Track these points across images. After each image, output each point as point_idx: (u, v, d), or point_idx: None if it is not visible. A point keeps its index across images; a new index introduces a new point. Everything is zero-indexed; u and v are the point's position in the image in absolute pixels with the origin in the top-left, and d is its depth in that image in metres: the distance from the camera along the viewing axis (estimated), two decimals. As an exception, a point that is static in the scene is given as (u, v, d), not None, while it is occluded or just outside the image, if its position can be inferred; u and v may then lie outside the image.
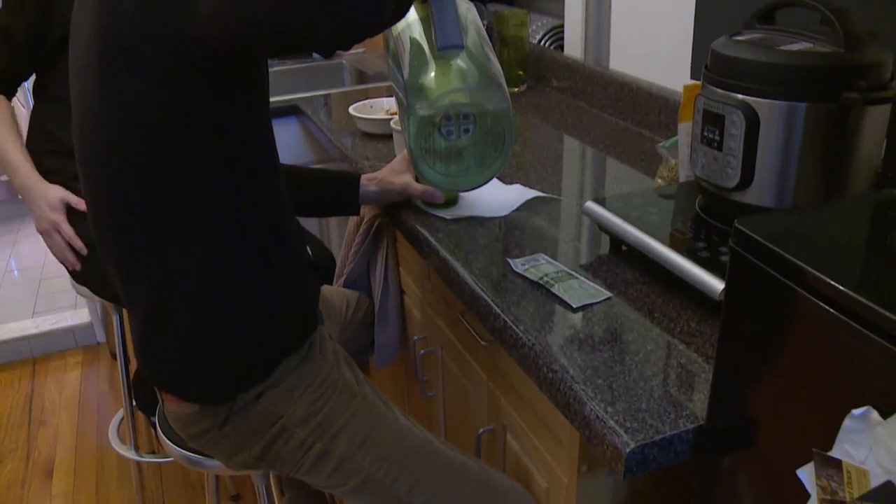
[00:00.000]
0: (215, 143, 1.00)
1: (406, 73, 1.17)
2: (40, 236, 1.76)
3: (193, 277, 1.04)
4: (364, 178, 1.38)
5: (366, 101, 1.91)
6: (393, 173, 1.36)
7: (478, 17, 1.23)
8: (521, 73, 2.13)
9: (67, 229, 1.71)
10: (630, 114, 1.82)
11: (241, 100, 1.01)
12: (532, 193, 1.37)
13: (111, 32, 0.96)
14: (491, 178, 1.23)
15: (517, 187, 1.40)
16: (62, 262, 1.78)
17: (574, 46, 2.13)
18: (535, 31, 2.35)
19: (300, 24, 0.80)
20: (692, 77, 1.66)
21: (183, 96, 0.96)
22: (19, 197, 1.81)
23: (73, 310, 3.08)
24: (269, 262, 1.08)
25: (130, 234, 1.05)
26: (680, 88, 1.69)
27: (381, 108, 1.89)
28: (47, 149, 1.77)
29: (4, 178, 4.15)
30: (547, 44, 2.32)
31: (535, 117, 1.93)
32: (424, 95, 1.14)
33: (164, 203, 1.01)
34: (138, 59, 0.94)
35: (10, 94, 1.80)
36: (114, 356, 2.88)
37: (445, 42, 1.11)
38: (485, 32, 1.22)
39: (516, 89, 2.13)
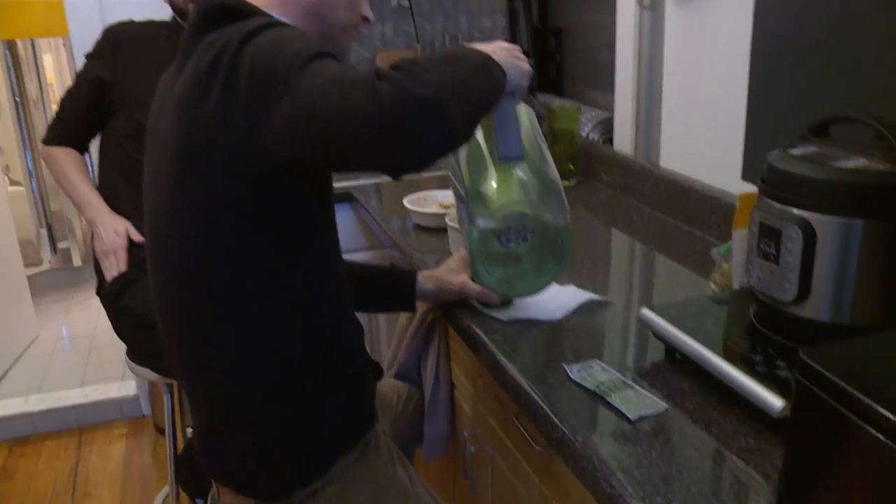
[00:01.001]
0: (284, 244, 1.04)
1: (467, 177, 1.21)
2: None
3: (258, 375, 1.07)
4: (421, 276, 1.41)
5: (420, 194, 1.96)
6: (450, 272, 1.39)
7: (536, 120, 1.26)
8: (571, 167, 2.17)
9: (123, 256, 1.90)
10: (681, 213, 1.84)
11: (309, 203, 1.06)
12: (586, 296, 1.39)
13: (190, 137, 1.02)
14: (548, 286, 1.26)
15: (571, 289, 1.42)
16: (108, 282, 1.93)
17: (624, 141, 2.17)
18: (584, 122, 2.40)
19: (369, 150, 0.85)
20: (743, 178, 1.69)
21: (254, 200, 1.01)
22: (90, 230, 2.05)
23: (120, 381, 3.13)
24: (331, 361, 1.10)
25: (198, 331, 1.09)
26: (731, 189, 1.72)
27: (435, 200, 1.94)
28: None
29: (63, 245, 4.27)
30: (595, 137, 2.36)
31: (586, 212, 1.97)
32: (485, 205, 1.18)
33: (231, 302, 1.05)
34: (214, 163, 1.00)
35: (81, 151, 2.06)
36: (158, 430, 2.91)
37: (507, 153, 1.14)
38: (542, 137, 1.26)
39: (567, 183, 2.17)
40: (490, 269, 1.22)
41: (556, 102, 2.67)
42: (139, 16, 2.14)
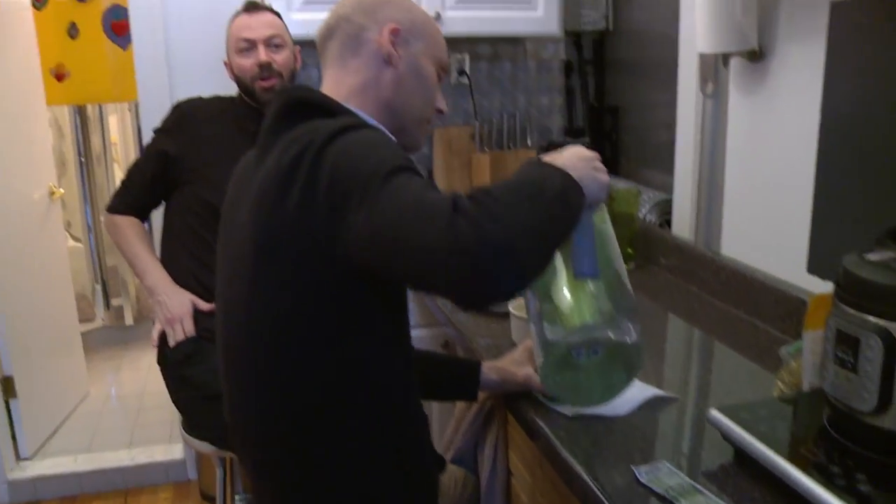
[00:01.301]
0: (357, 336, 1.05)
1: (538, 285, 1.20)
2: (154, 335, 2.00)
3: (324, 464, 1.07)
4: (485, 367, 1.41)
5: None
6: (514, 363, 1.39)
7: (611, 227, 1.26)
8: (630, 250, 2.16)
9: (190, 326, 1.93)
10: (743, 302, 1.81)
11: (384, 299, 1.06)
12: (652, 392, 1.37)
13: (269, 232, 1.04)
14: (613, 399, 1.24)
15: (637, 384, 1.40)
16: (171, 347, 1.95)
17: (682, 226, 2.16)
18: (641, 202, 2.39)
19: (439, 284, 0.87)
20: (809, 270, 1.66)
21: (329, 295, 1.02)
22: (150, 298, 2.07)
23: (167, 444, 3.15)
24: (397, 451, 1.10)
25: (267, 419, 1.09)
26: (795, 280, 1.69)
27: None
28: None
29: (116, 302, 4.36)
30: (652, 218, 2.36)
31: (645, 298, 1.95)
32: (557, 320, 1.18)
33: (302, 392, 1.06)
34: (291, 259, 1.02)
35: (143, 219, 2.12)
36: (203, 496, 2.90)
37: (581, 270, 1.13)
38: (616, 244, 1.25)
39: (625, 266, 2.16)
40: (557, 378, 1.21)
41: (615, 183, 2.67)
42: (206, 87, 2.22)
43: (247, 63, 2.00)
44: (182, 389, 1.92)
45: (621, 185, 2.63)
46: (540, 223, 0.91)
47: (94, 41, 4.13)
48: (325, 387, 1.05)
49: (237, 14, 2.06)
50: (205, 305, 1.93)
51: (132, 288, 4.35)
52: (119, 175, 4.29)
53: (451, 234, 0.84)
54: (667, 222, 2.38)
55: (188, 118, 2.04)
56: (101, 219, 4.27)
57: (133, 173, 2.09)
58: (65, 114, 4.13)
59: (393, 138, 1.10)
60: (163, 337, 1.96)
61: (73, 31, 4.10)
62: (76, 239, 4.36)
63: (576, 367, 1.21)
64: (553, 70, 3.01)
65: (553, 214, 0.94)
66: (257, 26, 2.01)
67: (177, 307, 1.92)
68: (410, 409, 1.14)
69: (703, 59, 1.95)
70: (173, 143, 2.01)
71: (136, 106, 4.20)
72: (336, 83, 1.18)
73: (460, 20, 2.46)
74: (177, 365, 1.90)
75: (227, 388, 1.18)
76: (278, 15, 2.09)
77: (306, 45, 2.02)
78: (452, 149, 2.84)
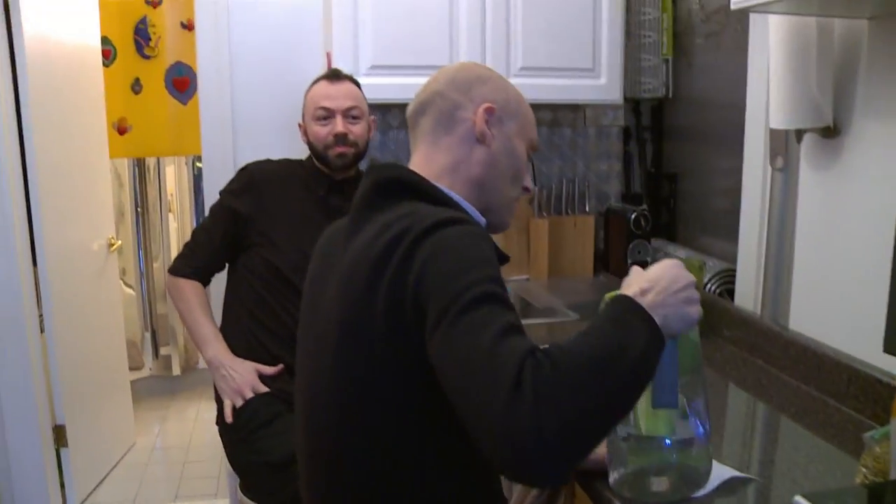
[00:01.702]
0: (440, 423, 1.03)
1: None
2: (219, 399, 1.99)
3: None
4: None
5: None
6: None
7: (698, 334, 1.22)
8: (692, 320, 2.12)
9: (262, 388, 1.92)
10: (814, 379, 1.76)
11: None
12: (730, 473, 1.33)
13: (355, 314, 1.04)
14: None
15: (714, 465, 1.37)
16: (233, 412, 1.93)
17: (746, 298, 2.13)
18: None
19: (488, 446, 0.83)
20: (885, 350, 1.61)
21: (412, 396, 1.02)
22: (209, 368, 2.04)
23: (212, 499, 3.13)
24: None
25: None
26: (869, 359, 1.64)
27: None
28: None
29: (165, 350, 4.39)
30: (712, 288, 2.33)
31: (711, 372, 1.91)
32: (631, 444, 1.18)
33: (386, 483, 1.05)
34: (376, 343, 1.02)
35: (205, 283, 2.10)
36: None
37: (661, 401, 1.11)
38: (700, 350, 1.22)
39: (687, 336, 2.12)
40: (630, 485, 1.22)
41: (675, 251, 2.65)
42: (268, 146, 2.25)
43: (323, 132, 2.03)
44: (244, 453, 1.90)
45: (681, 252, 2.61)
46: (609, 401, 0.85)
47: (157, 96, 4.25)
48: (409, 470, 1.04)
49: (318, 80, 2.09)
50: (269, 370, 1.93)
51: (181, 338, 4.39)
52: (174, 225, 4.37)
53: (508, 415, 0.79)
54: (728, 292, 2.35)
55: (258, 180, 2.06)
56: (154, 266, 4.35)
57: (199, 234, 2.10)
58: (124, 165, 4.23)
59: (487, 235, 1.06)
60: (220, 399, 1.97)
61: (136, 86, 4.22)
62: (129, 286, 4.42)
63: (646, 482, 1.21)
64: (612, 136, 3.03)
65: (627, 383, 0.88)
66: (337, 96, 2.03)
67: (242, 378, 1.92)
68: (491, 487, 1.12)
69: (774, 133, 1.94)
70: (243, 204, 2.03)
71: (193, 159, 4.33)
72: (427, 160, 1.18)
73: (525, 88, 2.45)
74: (240, 428, 1.89)
75: (306, 464, 1.17)
76: (358, 85, 2.11)
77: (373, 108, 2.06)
78: (511, 213, 2.84)
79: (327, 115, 2.03)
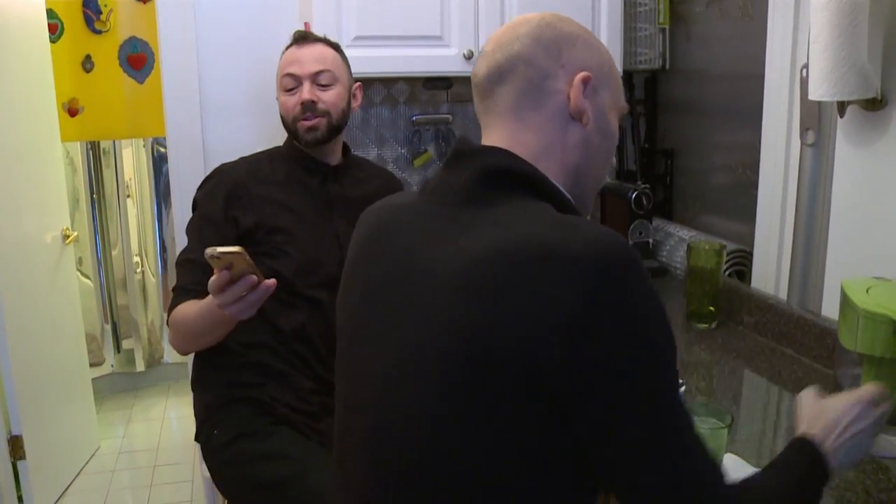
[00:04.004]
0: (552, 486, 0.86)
1: None
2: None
3: None
4: None
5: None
6: None
7: None
8: (711, 308, 1.97)
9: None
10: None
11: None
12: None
13: (477, 350, 0.81)
14: None
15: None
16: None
17: (766, 282, 1.99)
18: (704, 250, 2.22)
19: None
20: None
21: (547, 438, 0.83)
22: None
23: (186, 506, 2.93)
24: None
25: None
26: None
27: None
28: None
29: (127, 344, 4.13)
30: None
31: (739, 363, 1.76)
32: None
33: None
34: (497, 399, 0.81)
35: None
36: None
37: None
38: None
39: (705, 326, 1.97)
40: None
41: (676, 231, 2.50)
42: (239, 126, 2.00)
43: (291, 102, 1.77)
44: (233, 476, 1.67)
45: (683, 233, 2.46)
46: None
47: (110, 75, 3.97)
48: None
49: (288, 46, 1.84)
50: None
51: (144, 330, 4.14)
52: (133, 211, 4.10)
53: None
54: (737, 274, 2.20)
55: (241, 186, 1.73)
56: (113, 254, 4.08)
57: (185, 265, 1.71)
58: (77, 148, 3.95)
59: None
60: (209, 419, 1.74)
61: (87, 64, 3.95)
62: (86, 276, 4.15)
63: None
64: (604, 110, 2.85)
65: None
66: (305, 60, 1.77)
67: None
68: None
69: (806, 105, 1.78)
70: (232, 214, 1.71)
71: (153, 142, 4.06)
72: (512, 140, 0.97)
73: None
74: (225, 447, 1.67)
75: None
76: (336, 47, 1.85)
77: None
78: (500, 193, 2.66)
79: (295, 83, 1.77)
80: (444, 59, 2.25)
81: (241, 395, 1.70)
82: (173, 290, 1.69)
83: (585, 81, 0.97)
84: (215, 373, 1.74)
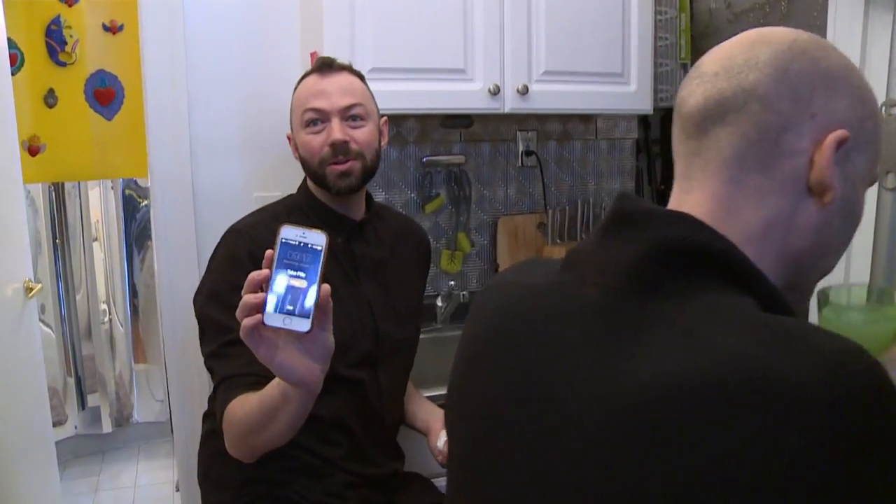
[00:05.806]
0: None
1: None
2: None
3: None
4: None
5: None
6: None
7: None
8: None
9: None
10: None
11: None
12: None
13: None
14: None
15: None
16: None
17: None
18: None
19: None
20: None
21: None
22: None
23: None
24: None
25: None
26: None
27: None
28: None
29: (93, 401, 3.79)
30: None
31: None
32: None
33: None
34: None
35: None
36: None
37: None
38: None
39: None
40: None
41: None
42: (232, 168, 1.76)
43: (316, 142, 1.49)
44: None
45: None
46: None
47: (75, 111, 3.67)
48: None
49: (306, 74, 1.56)
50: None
51: (111, 384, 3.81)
52: (100, 255, 3.79)
53: None
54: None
55: (264, 250, 1.43)
56: (77, 299, 3.76)
57: (224, 349, 1.37)
58: (38, 189, 3.65)
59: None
60: (215, 455, 1.45)
61: (50, 98, 3.65)
62: (47, 325, 3.83)
63: None
64: (625, 150, 2.68)
65: None
66: (332, 91, 1.49)
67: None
68: None
69: (891, 145, 1.60)
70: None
71: (123, 183, 3.77)
72: (721, 207, 0.71)
73: (550, 95, 2.09)
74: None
75: None
76: (360, 77, 1.59)
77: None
78: (519, 240, 2.44)
79: (320, 118, 1.50)
80: (467, 95, 2.03)
81: (264, 494, 1.43)
82: (218, 384, 1.37)
83: (841, 143, 0.70)
84: (232, 468, 1.40)
